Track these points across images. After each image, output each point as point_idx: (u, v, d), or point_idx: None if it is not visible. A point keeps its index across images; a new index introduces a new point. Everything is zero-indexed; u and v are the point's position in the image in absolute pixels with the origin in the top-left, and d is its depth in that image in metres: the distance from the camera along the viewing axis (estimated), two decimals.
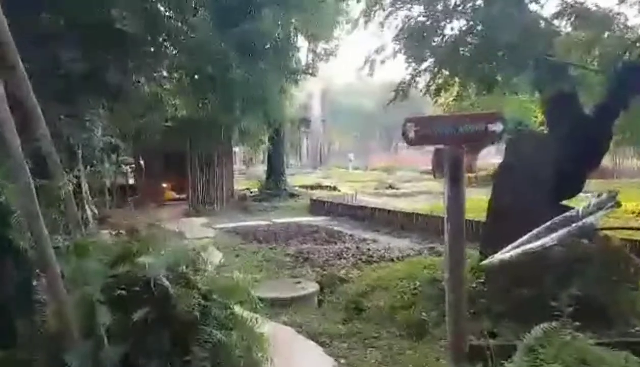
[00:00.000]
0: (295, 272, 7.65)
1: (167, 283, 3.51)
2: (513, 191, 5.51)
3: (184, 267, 3.99)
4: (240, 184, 22.32)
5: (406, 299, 5.36)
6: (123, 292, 3.56)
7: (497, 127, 2.92)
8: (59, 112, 6.01)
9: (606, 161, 30.34)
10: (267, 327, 4.32)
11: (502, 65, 4.59)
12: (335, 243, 10.05)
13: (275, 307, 5.82)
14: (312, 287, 6.46)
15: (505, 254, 3.47)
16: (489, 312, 4.92)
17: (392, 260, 8.18)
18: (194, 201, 16.03)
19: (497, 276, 5.06)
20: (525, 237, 3.55)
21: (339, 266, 7.90)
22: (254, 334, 3.98)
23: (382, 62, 8.98)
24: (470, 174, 22.43)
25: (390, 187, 20.92)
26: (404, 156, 46.16)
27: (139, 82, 7.09)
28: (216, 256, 8.84)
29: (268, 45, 13.57)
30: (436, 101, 7.36)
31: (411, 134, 3.08)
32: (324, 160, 41.55)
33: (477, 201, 15.41)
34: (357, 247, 9.31)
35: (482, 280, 5.26)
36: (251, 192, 18.84)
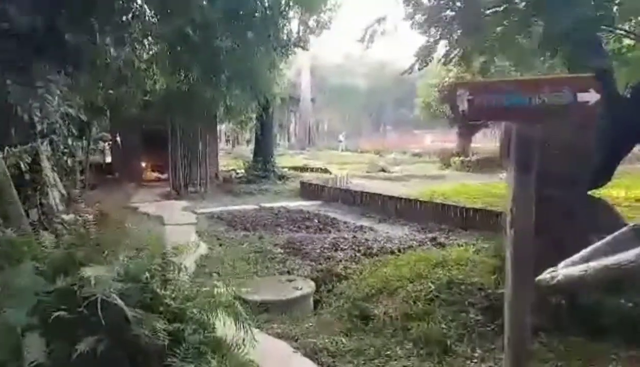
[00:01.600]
0: (286, 266, 6.79)
1: (119, 302, 2.59)
2: (542, 181, 4.67)
3: (149, 277, 3.08)
4: (225, 165, 21.32)
5: (420, 307, 4.53)
6: (64, 313, 2.65)
7: (591, 96, 2.03)
8: (5, 77, 4.94)
9: None
10: (256, 343, 3.45)
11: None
12: (330, 232, 9.20)
13: (265, 312, 4.98)
14: (307, 286, 5.60)
15: (572, 268, 2.63)
16: None
17: (393, 252, 7.36)
18: (175, 181, 14.98)
19: None
20: (598, 245, 2.71)
21: (336, 259, 7.05)
22: (241, 361, 3.11)
23: (383, 33, 8.18)
24: (464, 158, 21.72)
25: (383, 170, 20.09)
26: (392, 139, 45.46)
27: (106, 45, 6.04)
28: (199, 247, 7.94)
29: (257, 14, 12.44)
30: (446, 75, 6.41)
31: (464, 106, 2.18)
32: (313, 141, 40.52)
33: (480, 187, 14.75)
34: (354, 237, 8.47)
35: None
36: (237, 173, 17.84)
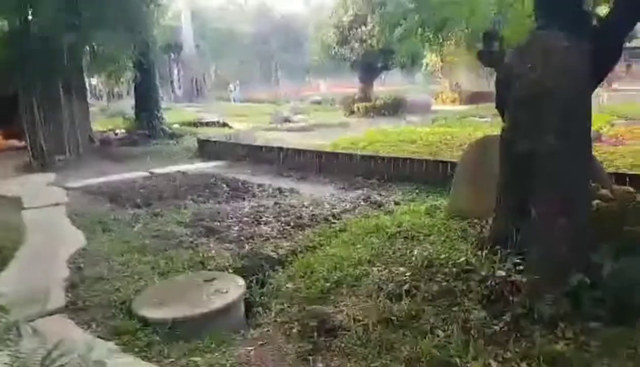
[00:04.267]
0: (198, 254, 5.18)
1: None
2: (535, 125, 3.62)
3: None
4: (101, 125, 18.26)
5: (405, 309, 3.33)
6: None
7: None
8: None
9: (484, 87, 31.36)
10: None
11: None
12: (244, 199, 7.67)
13: (180, 337, 3.47)
14: (235, 285, 4.13)
15: None
16: (539, 317, 3.13)
17: (328, 220, 6.15)
18: (37, 149, 12.06)
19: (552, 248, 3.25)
20: None
21: (261, 236, 5.63)
22: None
23: None
24: (368, 104, 21.04)
25: (287, 120, 18.61)
26: (286, 87, 43.75)
27: None
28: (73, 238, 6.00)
29: None
30: None
31: None
32: (202, 93, 37.32)
33: (392, 133, 14.03)
34: (276, 204, 7.06)
35: (515, 262, 3.41)
36: (116, 134, 15.12)
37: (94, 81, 31.69)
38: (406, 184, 7.93)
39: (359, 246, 4.47)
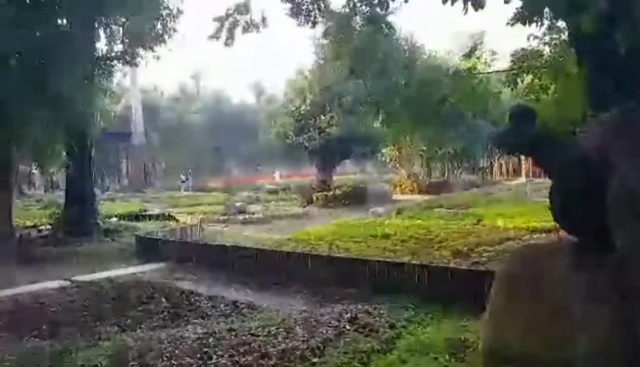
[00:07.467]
0: None
1: None
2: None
3: None
4: (30, 218, 15.97)
5: None
6: None
7: None
8: None
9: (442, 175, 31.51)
10: None
11: None
12: (188, 320, 5.85)
13: None
14: None
15: None
16: None
17: (306, 358, 4.45)
18: None
19: None
20: None
21: None
22: None
23: (247, 28, 6.69)
24: (327, 193, 19.96)
25: (241, 211, 17.02)
26: (239, 176, 42.63)
27: None
28: None
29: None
30: None
31: None
32: (151, 182, 35.37)
33: (358, 226, 12.72)
34: (231, 330, 5.26)
35: None
36: (40, 231, 12.90)
37: (34, 170, 29.30)
38: (395, 296, 6.37)
39: None
